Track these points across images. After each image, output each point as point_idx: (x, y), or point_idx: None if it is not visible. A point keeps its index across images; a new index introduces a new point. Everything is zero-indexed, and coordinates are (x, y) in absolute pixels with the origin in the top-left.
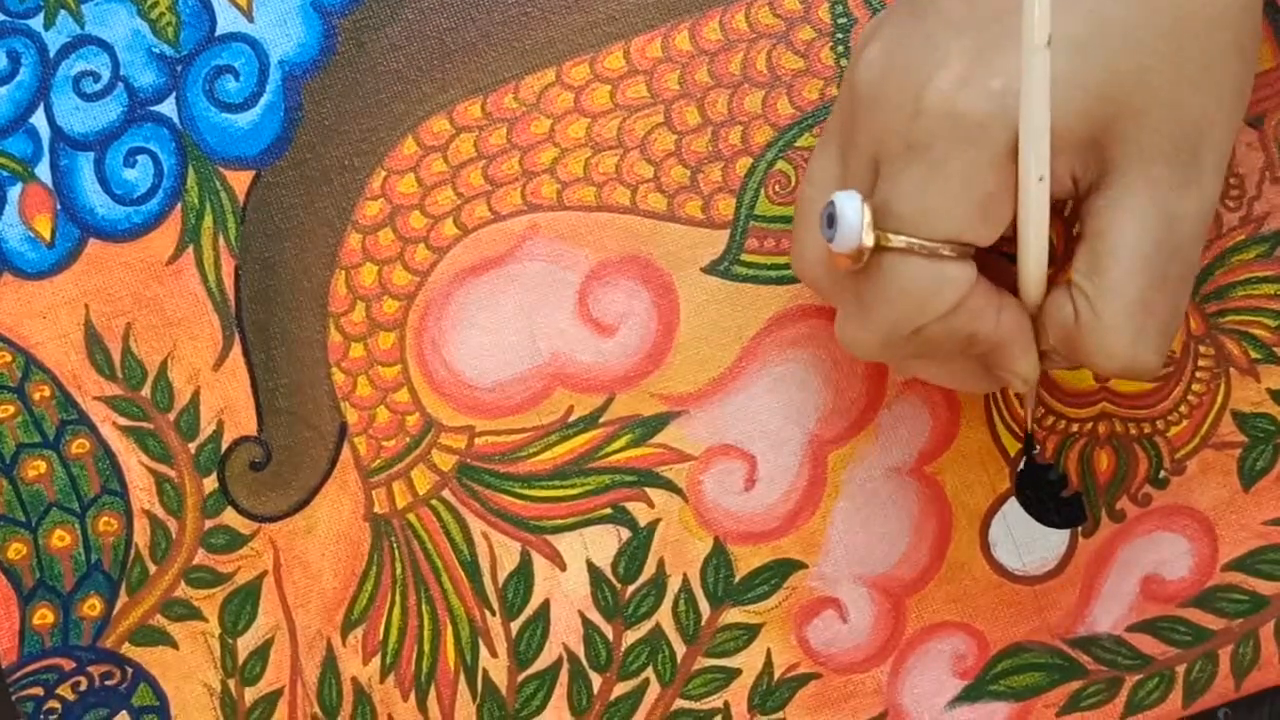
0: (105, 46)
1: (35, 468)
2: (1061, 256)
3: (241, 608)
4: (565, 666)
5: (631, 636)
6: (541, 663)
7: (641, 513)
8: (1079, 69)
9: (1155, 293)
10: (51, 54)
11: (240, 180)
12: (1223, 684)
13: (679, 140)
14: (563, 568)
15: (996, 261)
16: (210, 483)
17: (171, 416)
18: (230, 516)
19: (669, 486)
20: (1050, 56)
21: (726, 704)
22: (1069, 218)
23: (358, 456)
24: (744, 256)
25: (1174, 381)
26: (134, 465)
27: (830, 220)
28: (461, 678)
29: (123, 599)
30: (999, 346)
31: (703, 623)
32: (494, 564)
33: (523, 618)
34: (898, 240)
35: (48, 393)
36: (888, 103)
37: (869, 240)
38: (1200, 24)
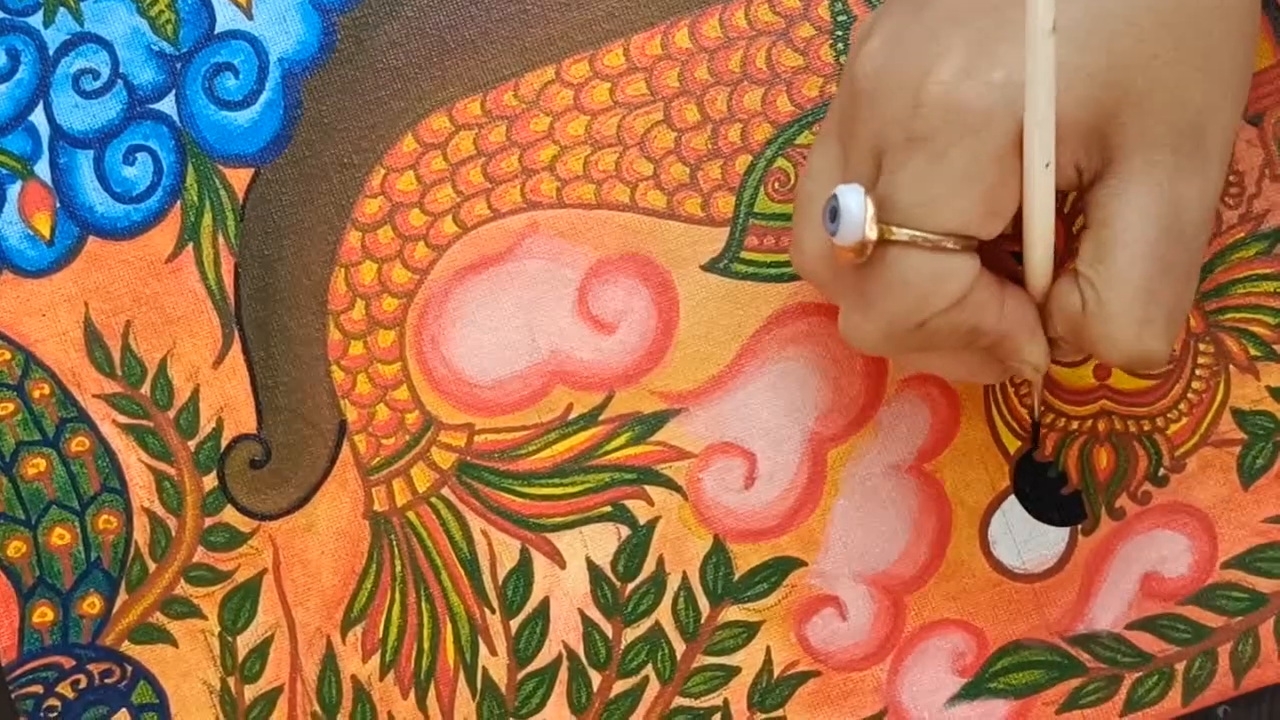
0: (104, 44)
1: (35, 465)
2: (1062, 253)
3: (241, 605)
4: (565, 664)
5: (631, 634)
6: (541, 660)
7: (641, 510)
8: (1082, 57)
9: (1160, 280)
10: (51, 51)
11: (240, 178)
12: (1222, 681)
13: (678, 138)
14: (562, 565)
15: (999, 254)
16: (210, 481)
17: (171, 414)
18: (230, 514)
19: (668, 484)
20: (1054, 44)
21: (726, 702)
22: (1069, 213)
23: (357, 454)
24: (743, 254)
25: (1173, 379)
26: (133, 463)
27: (833, 214)
28: (461, 675)
29: (122, 597)
30: (1005, 338)
31: (702, 620)
32: (493, 562)
33: (522, 615)
34: (900, 233)
35: (47, 390)
36: (888, 95)
37: (872, 234)
38: (1201, 10)
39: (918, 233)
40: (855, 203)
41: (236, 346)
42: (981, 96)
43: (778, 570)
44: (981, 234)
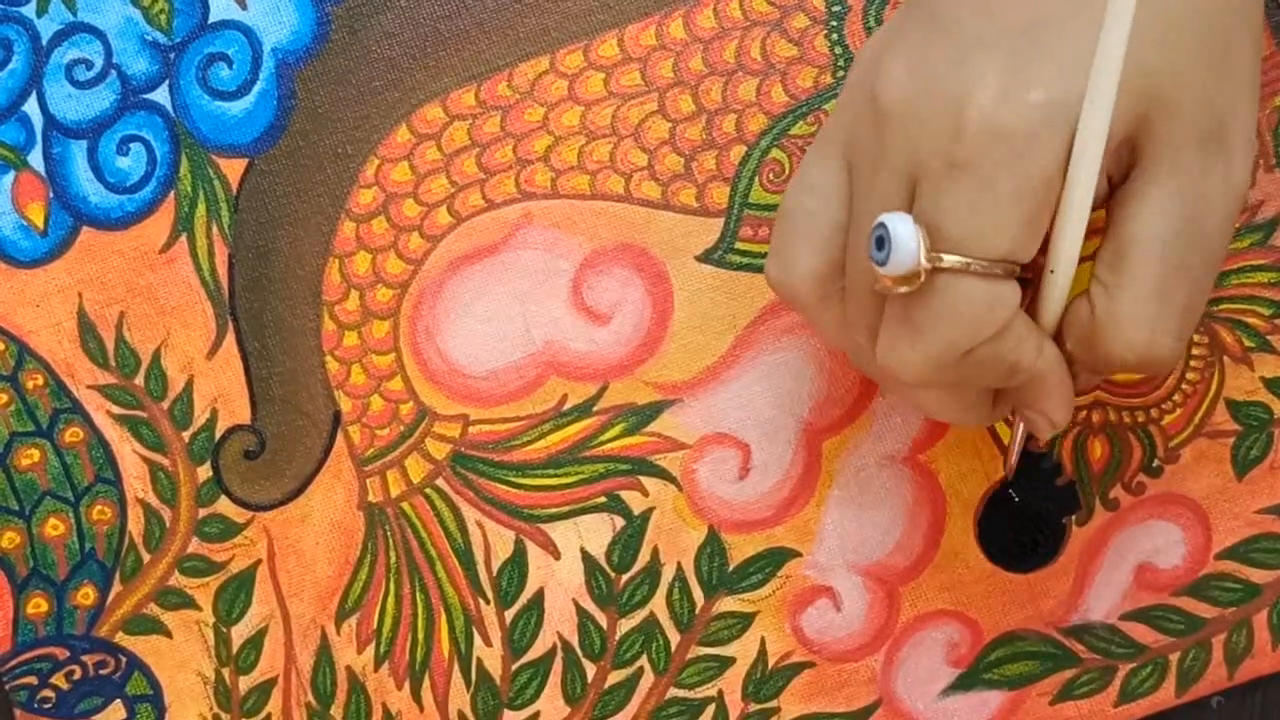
0: (98, 34)
1: (29, 456)
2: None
3: (235, 596)
4: (559, 655)
5: (625, 625)
6: (536, 651)
7: (635, 501)
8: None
9: (1175, 279)
10: (44, 41)
11: (234, 168)
12: (1216, 672)
13: (673, 128)
14: (557, 556)
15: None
16: (204, 471)
17: (165, 405)
18: (224, 505)
19: (663, 475)
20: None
21: (720, 693)
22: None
23: (351, 445)
24: (738, 245)
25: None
26: (127, 454)
27: (880, 243)
28: (455, 666)
29: (116, 588)
30: (1036, 382)
31: (697, 611)
32: (488, 553)
33: (517, 606)
34: (951, 260)
35: (41, 381)
36: (923, 121)
37: (927, 263)
38: (1216, 10)
39: (968, 259)
40: (907, 232)
41: (230, 337)
42: (1023, 119)
43: (772, 561)
44: (1024, 258)
